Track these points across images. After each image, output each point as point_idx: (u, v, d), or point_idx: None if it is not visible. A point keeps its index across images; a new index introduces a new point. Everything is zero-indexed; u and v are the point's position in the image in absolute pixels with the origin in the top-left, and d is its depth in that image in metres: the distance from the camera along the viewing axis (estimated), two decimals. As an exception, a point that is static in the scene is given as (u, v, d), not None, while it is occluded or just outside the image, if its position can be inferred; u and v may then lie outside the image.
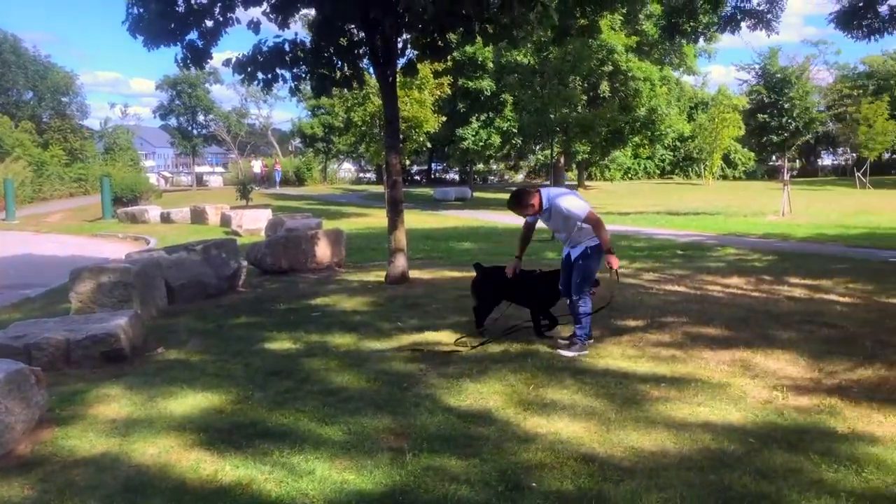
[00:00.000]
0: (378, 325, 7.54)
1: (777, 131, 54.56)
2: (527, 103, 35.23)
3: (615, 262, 6.05)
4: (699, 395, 5.07)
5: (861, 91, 62.78)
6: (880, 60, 66.94)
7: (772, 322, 7.12)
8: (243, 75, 9.98)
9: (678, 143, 61.24)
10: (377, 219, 24.13)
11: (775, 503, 3.51)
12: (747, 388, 5.24)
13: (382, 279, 10.42)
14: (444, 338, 6.90)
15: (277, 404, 5.06)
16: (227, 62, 10.00)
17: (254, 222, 21.62)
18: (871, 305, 8.20)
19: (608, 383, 5.38)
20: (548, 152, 37.14)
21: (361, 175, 67.31)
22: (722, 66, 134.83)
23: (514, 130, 39.98)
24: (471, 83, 40.37)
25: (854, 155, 64.88)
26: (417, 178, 64.51)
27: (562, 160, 39.82)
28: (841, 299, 8.46)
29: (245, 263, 10.77)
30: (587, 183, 52.75)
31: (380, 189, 40.28)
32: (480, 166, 56.63)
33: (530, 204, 6.27)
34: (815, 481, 3.70)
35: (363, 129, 31.17)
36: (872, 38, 11.36)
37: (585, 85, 37.39)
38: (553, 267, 6.97)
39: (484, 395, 5.17)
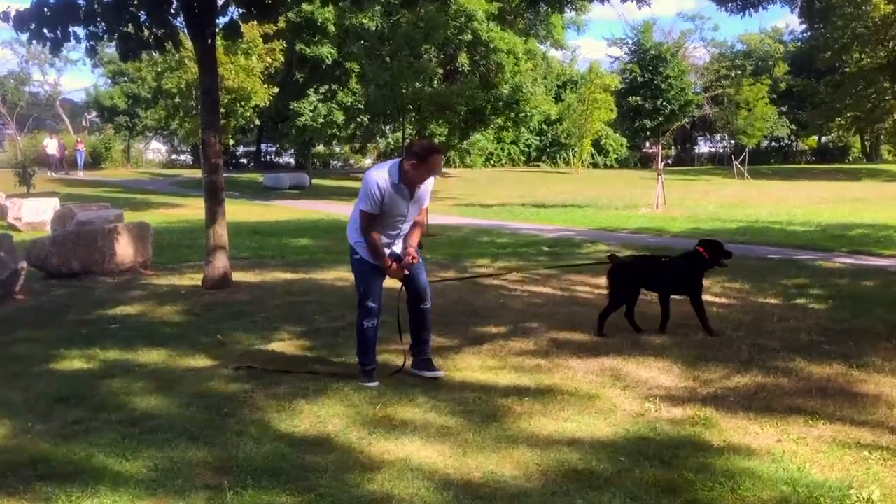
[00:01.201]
0: (193, 339, 7.33)
1: (651, 115, 57.49)
2: (374, 75, 35.29)
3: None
4: (566, 410, 5.26)
5: (739, 72, 67.23)
6: (758, 39, 72.14)
7: (644, 326, 7.50)
8: (26, 33, 9.36)
9: (545, 127, 63.35)
10: (193, 210, 23.40)
11: (647, 527, 3.71)
12: (618, 399, 5.50)
13: (199, 283, 10.14)
14: (275, 352, 6.80)
15: (65, 438, 4.80)
16: (3, 16, 9.34)
17: (36, 214, 20.38)
18: (747, 306, 8.82)
19: (466, 399, 5.49)
20: (399, 134, 37.42)
21: (175, 157, 65.10)
22: (593, 40, 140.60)
23: (361, 106, 39.88)
24: (309, 49, 39.87)
25: (732, 142, 69.58)
26: (244, 161, 63.18)
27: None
28: (716, 300, 9.05)
29: (24, 265, 10.14)
30: (445, 170, 53.42)
31: (196, 174, 39.06)
32: (321, 148, 56.08)
33: None
34: (690, 501, 3.93)
35: (176, 100, 30.14)
36: (748, 12, 12.21)
37: (441, 56, 37.96)
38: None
39: (322, 417, 5.14)
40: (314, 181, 40.74)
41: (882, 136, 66.46)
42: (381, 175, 5.62)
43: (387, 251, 5.87)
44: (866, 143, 74.81)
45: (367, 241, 5.76)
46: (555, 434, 4.84)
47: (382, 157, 64.59)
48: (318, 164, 58.82)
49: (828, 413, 5.18)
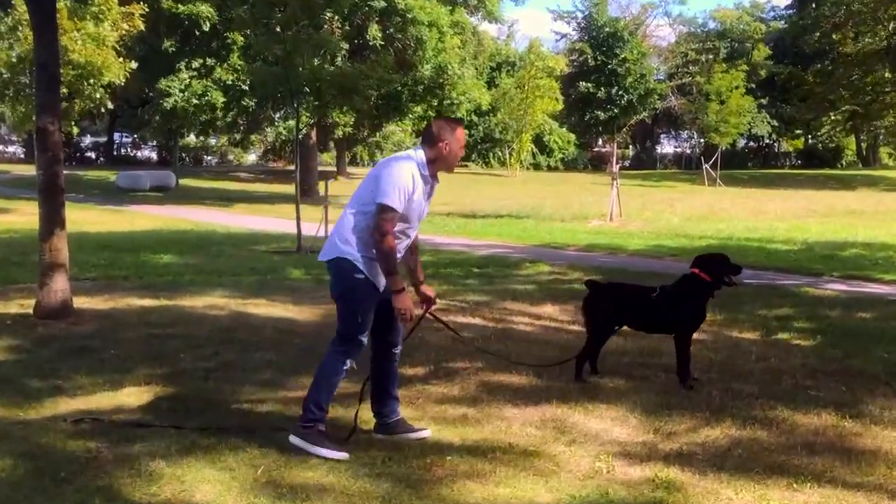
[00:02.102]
0: (22, 383, 7.13)
1: (605, 105, 58.74)
2: (262, 48, 34.87)
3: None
4: (498, 471, 5.28)
5: (711, 56, 68.68)
6: (734, 16, 73.75)
7: (596, 365, 7.58)
8: None
9: (475, 119, 63.82)
10: (24, 217, 22.83)
11: None
12: (562, 458, 5.54)
13: (30, 311, 9.87)
14: (128, 400, 6.66)
15: None
16: None
17: None
18: (720, 342, 9.00)
19: (373, 459, 5.45)
20: (293, 123, 37.09)
21: (2, 149, 63.54)
22: (536, 12, 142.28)
23: (245, 87, 39.29)
24: (181, 7, 38.93)
25: (702, 141, 71.07)
26: (91, 155, 61.97)
27: (313, 135, 40.03)
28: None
29: None
30: (350, 170, 53.45)
31: (30, 170, 38.15)
32: (191, 139, 55.39)
33: None
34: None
35: (5, 76, 29.39)
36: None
37: (347, 28, 37.90)
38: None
39: (188, 484, 5.04)
40: (182, 181, 40.25)
41: (881, 137, 68.68)
42: (410, 165, 5.58)
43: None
44: (862, 144, 77.21)
45: (383, 251, 5.45)
46: (484, 503, 4.85)
47: (270, 151, 63.96)
48: (187, 159, 58.11)
49: (816, 473, 5.30)
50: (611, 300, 7.43)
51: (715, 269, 7.37)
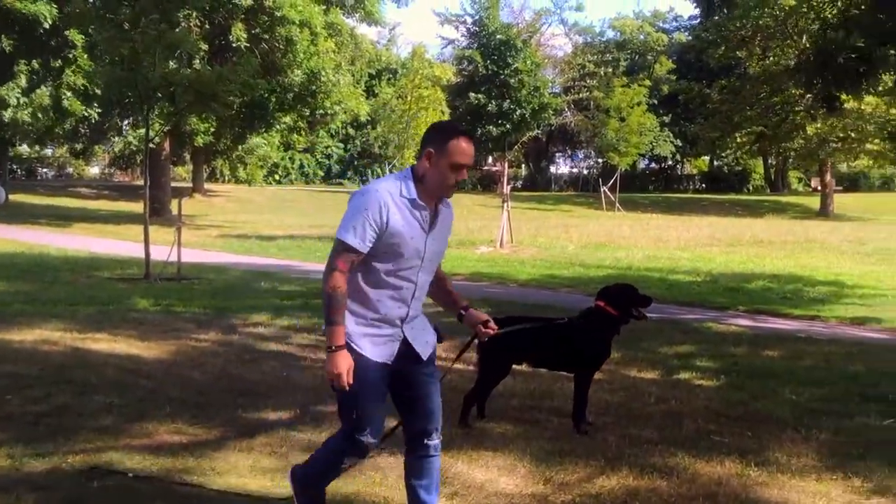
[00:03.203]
0: None
1: (496, 120, 59.15)
2: (108, 48, 34.21)
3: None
4: (371, 529, 5.24)
5: (610, 69, 70.02)
6: (635, 25, 75.40)
7: (483, 408, 7.60)
8: None
9: (352, 131, 63.83)
10: None
11: None
12: (441, 514, 5.53)
13: None
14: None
15: None
16: None
17: None
18: (616, 383, 9.13)
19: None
20: (143, 132, 36.46)
21: None
22: (420, 15, 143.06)
23: (98, 91, 38.36)
24: (19, 5, 38.03)
25: (600, 161, 72.34)
26: None
27: (166, 146, 39.40)
28: (577, 374, 9.32)
29: None
30: (208, 186, 52.78)
31: None
32: (25, 149, 54.01)
33: None
34: None
35: None
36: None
37: (207, 26, 37.50)
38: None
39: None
40: (12, 197, 39.14)
41: (790, 160, 70.86)
42: (386, 186, 4.75)
43: (391, 330, 4.86)
44: (770, 168, 79.59)
45: (325, 291, 4.70)
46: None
47: (118, 161, 62.61)
48: (18, 172, 56.61)
49: (718, 528, 5.40)
50: (506, 337, 7.40)
51: (622, 301, 7.42)
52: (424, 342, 4.95)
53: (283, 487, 5.86)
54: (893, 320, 14.08)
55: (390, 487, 5.94)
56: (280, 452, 6.57)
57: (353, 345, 4.70)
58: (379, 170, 65.40)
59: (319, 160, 66.94)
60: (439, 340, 5.20)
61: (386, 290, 4.77)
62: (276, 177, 63.47)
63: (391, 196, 4.67)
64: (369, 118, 58.76)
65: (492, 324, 5.28)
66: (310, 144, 60.82)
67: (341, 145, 66.58)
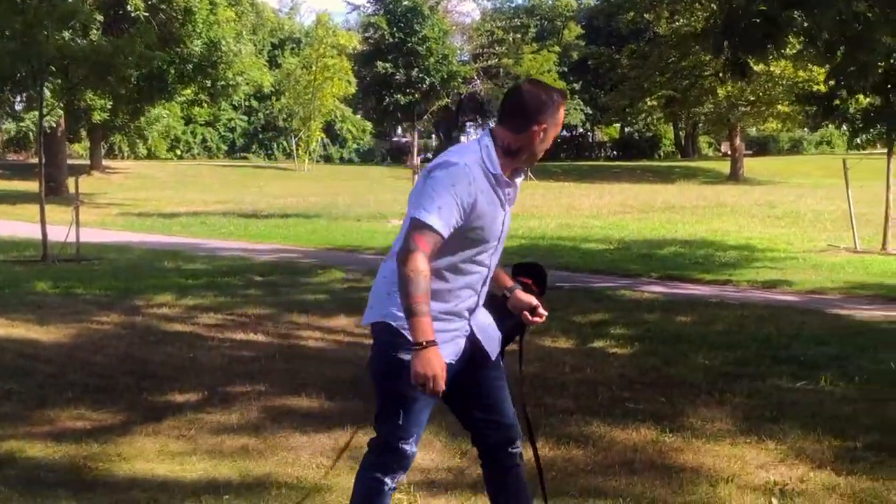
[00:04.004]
0: None
1: (404, 89, 58.86)
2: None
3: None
4: (284, 512, 5.23)
5: (520, 36, 70.05)
6: (544, -9, 75.27)
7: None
8: None
9: (255, 103, 63.10)
10: None
11: None
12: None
13: None
14: None
15: None
16: None
17: None
18: (531, 352, 9.10)
19: (135, 502, 5.31)
20: (37, 114, 35.75)
21: None
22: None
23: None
24: None
25: (511, 130, 72.51)
26: None
27: (62, 122, 38.68)
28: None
29: None
30: (107, 163, 51.92)
31: None
32: None
33: None
34: None
35: None
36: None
37: (101, -4, 36.82)
38: None
39: None
40: None
41: (700, 125, 71.73)
42: (473, 159, 4.13)
43: (459, 323, 4.28)
44: (680, 133, 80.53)
45: (404, 276, 3.92)
46: (265, 546, 4.80)
47: (10, 146, 61.22)
48: None
49: (635, 495, 5.47)
50: None
51: (537, 278, 7.43)
52: (491, 338, 4.42)
53: (192, 471, 5.84)
54: (803, 283, 14.38)
55: (303, 466, 5.92)
56: (188, 435, 6.51)
57: (404, 358, 4.02)
58: (284, 143, 64.74)
59: (222, 134, 65.97)
60: (513, 332, 4.65)
61: (459, 278, 4.20)
62: (178, 151, 62.43)
63: (479, 171, 4.10)
64: (273, 89, 58.14)
65: (541, 310, 4.52)
66: (212, 117, 60.12)
67: (245, 118, 65.71)
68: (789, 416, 6.99)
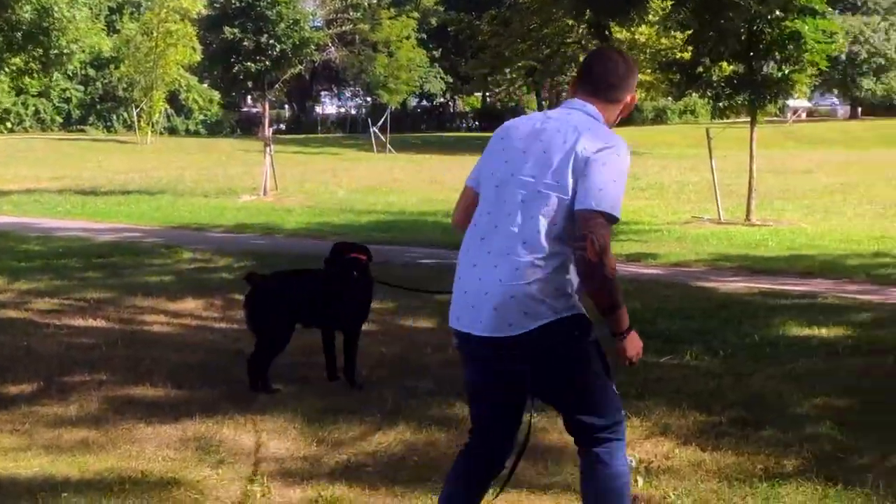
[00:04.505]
0: None
1: (254, 57, 58.15)
2: None
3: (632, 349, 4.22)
4: (128, 506, 5.11)
5: (376, 0, 69.78)
6: (399, -44, 75.35)
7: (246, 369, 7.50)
8: None
9: (92, 72, 61.61)
10: None
11: None
12: (208, 483, 5.45)
13: None
14: None
15: None
16: None
17: None
18: (392, 334, 9.19)
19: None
20: None
21: None
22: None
23: None
24: None
25: (369, 100, 72.35)
26: None
27: None
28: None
29: None
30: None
31: None
32: None
33: None
34: None
35: None
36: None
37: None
38: None
39: None
40: None
41: (563, 94, 72.61)
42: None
43: None
44: (544, 102, 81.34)
45: (608, 277, 3.97)
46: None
47: None
48: None
49: (501, 477, 5.47)
50: (284, 296, 7.25)
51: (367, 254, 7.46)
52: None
53: (28, 467, 5.66)
54: (668, 255, 14.68)
55: (147, 459, 5.81)
56: (23, 430, 6.32)
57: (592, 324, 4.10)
58: (125, 114, 63.16)
59: (57, 105, 63.97)
60: None
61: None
62: (8, 124, 60.39)
63: None
64: (112, 56, 56.85)
65: None
66: (44, 88, 58.44)
67: (81, 88, 63.85)
68: (654, 392, 7.11)
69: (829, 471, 5.63)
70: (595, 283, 3.93)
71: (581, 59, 49.34)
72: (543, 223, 3.89)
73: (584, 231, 3.85)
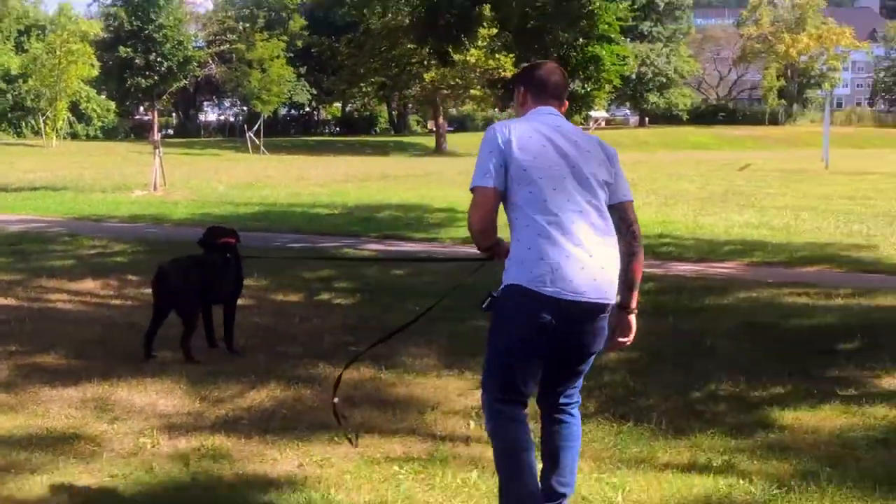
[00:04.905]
0: None
1: (143, 72, 56.93)
2: None
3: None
4: (34, 459, 4.96)
5: (250, 25, 69.11)
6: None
7: (140, 340, 7.34)
8: None
9: (3, 86, 59.69)
10: None
11: None
12: (105, 437, 5.32)
13: None
14: None
15: None
16: None
17: None
18: (264, 307, 9.09)
19: None
20: None
21: None
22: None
23: None
24: None
25: (245, 109, 71.49)
26: None
27: None
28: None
29: None
30: None
31: None
32: None
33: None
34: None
35: None
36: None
37: None
38: None
39: None
40: None
41: (410, 105, 72.88)
42: None
43: None
44: (394, 112, 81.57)
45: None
46: (17, 492, 4.54)
47: None
48: None
49: (356, 424, 5.50)
50: (192, 280, 7.09)
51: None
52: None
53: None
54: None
55: (52, 418, 5.67)
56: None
57: None
58: (33, 121, 61.23)
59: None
60: None
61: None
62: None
63: None
64: (21, 72, 55.00)
65: None
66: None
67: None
68: (483, 350, 7.16)
69: (622, 410, 5.82)
70: (641, 260, 4.12)
71: (424, 76, 49.42)
72: (605, 210, 3.97)
73: (631, 217, 4.07)
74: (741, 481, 4.71)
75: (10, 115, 62.80)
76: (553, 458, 4.19)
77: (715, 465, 4.90)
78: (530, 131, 3.96)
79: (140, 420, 5.63)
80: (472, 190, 3.93)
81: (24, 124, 62.83)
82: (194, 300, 7.01)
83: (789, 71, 78.91)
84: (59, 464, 4.89)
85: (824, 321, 8.63)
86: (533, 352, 3.99)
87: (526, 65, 4.58)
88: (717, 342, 7.53)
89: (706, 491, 4.61)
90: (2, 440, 5.26)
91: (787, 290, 9.99)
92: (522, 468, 3.93)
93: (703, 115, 77.36)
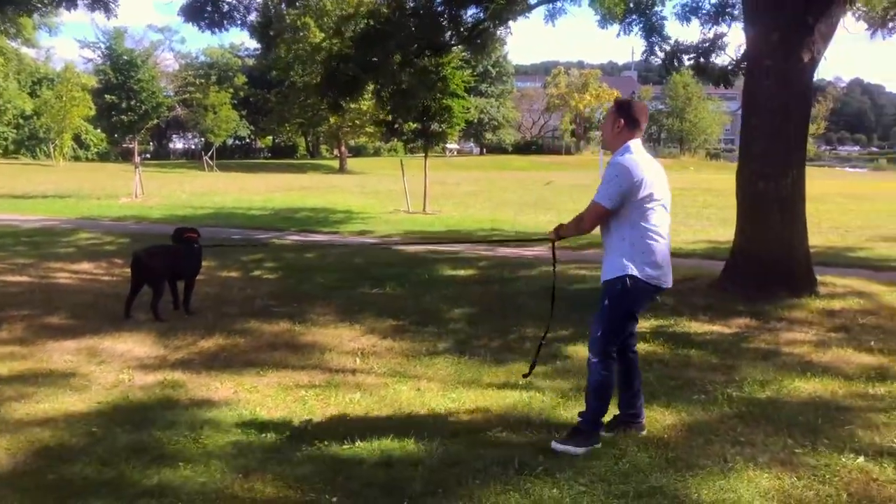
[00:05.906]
0: None
1: (127, 113, 54.57)
2: None
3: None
4: (40, 392, 4.76)
5: (205, 80, 67.08)
6: (220, 52, 72.78)
7: (122, 305, 7.09)
8: None
9: (21, 121, 56.39)
10: None
11: (118, 488, 3.52)
12: (93, 375, 5.14)
13: None
14: None
15: None
16: None
17: None
18: (213, 281, 8.84)
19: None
20: None
21: None
22: (69, 40, 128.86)
23: None
24: None
25: (203, 139, 69.32)
26: None
27: None
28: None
29: None
30: None
31: None
32: None
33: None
34: (158, 457, 3.82)
35: None
36: (212, 30, 12.12)
37: None
38: None
39: None
40: None
41: (321, 138, 71.92)
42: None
43: None
44: (309, 142, 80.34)
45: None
46: (26, 416, 4.36)
47: None
48: None
49: (275, 364, 5.46)
50: (157, 262, 6.82)
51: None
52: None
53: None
54: (380, 231, 14.78)
55: (54, 363, 5.43)
56: (-30, 348, 5.77)
57: None
58: (45, 147, 58.16)
59: (-1, 142, 58.03)
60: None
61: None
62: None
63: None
64: (34, 112, 52.10)
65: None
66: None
67: (13, 130, 57.98)
68: (368, 309, 7.20)
69: (463, 349, 5.91)
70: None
71: (330, 118, 48.56)
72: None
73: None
74: (538, 394, 4.86)
75: (27, 143, 59.66)
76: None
77: (521, 384, 5.03)
78: (648, 163, 3.95)
79: (120, 363, 5.46)
80: (597, 203, 3.92)
81: (38, 150, 59.63)
82: (160, 276, 6.80)
83: (578, 118, 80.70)
84: (58, 395, 4.72)
85: (595, 286, 8.93)
86: (634, 318, 4.27)
87: (622, 99, 4.38)
88: (526, 301, 7.68)
89: (514, 401, 4.74)
90: (16, 379, 5.04)
91: (574, 265, 10.31)
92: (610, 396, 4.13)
93: (522, 148, 78.22)
